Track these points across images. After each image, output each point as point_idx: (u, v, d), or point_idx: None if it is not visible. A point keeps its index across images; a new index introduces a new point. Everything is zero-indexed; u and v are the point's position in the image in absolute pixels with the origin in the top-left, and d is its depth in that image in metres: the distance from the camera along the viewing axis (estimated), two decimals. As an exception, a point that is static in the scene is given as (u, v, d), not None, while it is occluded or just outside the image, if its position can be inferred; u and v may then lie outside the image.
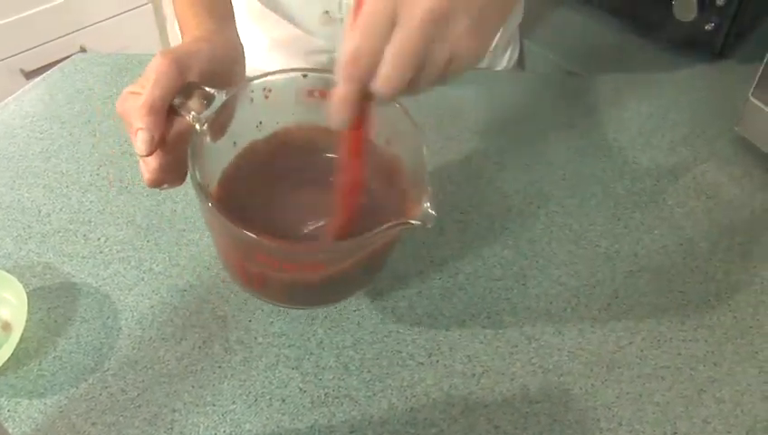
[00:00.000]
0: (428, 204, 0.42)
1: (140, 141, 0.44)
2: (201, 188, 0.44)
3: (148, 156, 0.45)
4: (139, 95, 0.44)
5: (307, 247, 0.46)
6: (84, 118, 0.74)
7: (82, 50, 1.66)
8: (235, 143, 0.52)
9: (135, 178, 0.67)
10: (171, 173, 0.47)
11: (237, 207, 0.45)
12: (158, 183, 0.47)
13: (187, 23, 0.54)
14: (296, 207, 0.52)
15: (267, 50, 0.79)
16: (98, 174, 0.68)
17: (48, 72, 0.80)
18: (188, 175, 0.46)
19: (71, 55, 0.84)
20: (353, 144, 0.44)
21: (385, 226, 0.42)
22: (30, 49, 1.60)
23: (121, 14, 1.72)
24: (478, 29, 0.40)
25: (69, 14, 1.62)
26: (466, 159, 0.70)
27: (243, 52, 0.54)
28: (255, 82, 0.50)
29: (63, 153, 0.70)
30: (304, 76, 0.51)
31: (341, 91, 0.40)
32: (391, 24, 0.39)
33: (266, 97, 0.51)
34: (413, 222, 0.42)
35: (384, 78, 0.39)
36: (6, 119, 0.74)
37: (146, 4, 1.75)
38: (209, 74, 0.47)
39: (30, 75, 1.60)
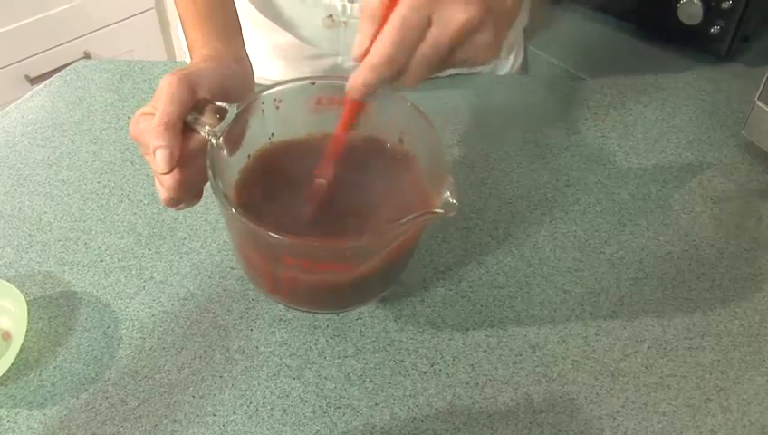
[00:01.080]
0: (449, 193, 0.43)
1: (160, 159, 0.44)
2: (226, 198, 0.44)
3: (167, 173, 0.45)
4: (152, 116, 0.45)
5: (337, 243, 0.46)
6: (86, 125, 0.74)
7: (86, 56, 1.66)
8: (249, 156, 0.52)
9: (136, 186, 0.67)
10: (188, 191, 0.47)
11: (256, 215, 0.45)
12: (175, 202, 0.47)
13: (194, 41, 0.54)
14: (311, 210, 0.52)
15: (267, 57, 0.79)
16: (99, 182, 0.68)
17: (50, 80, 0.80)
18: (205, 190, 0.46)
19: (75, 61, 0.84)
20: (350, 111, 0.48)
21: (410, 216, 0.43)
22: (34, 55, 1.60)
23: (125, 19, 1.72)
24: (497, 40, 0.44)
25: (73, 20, 1.62)
26: (469, 165, 0.70)
27: (251, 67, 0.54)
28: (265, 93, 0.50)
29: (65, 161, 0.70)
30: (312, 84, 0.51)
31: (367, 79, 0.44)
32: (424, 31, 0.42)
33: (277, 108, 0.51)
34: (436, 211, 0.43)
35: (412, 77, 0.44)
36: (8, 126, 0.74)
37: (150, 9, 1.75)
38: (219, 91, 0.48)
39: (34, 81, 1.60)
